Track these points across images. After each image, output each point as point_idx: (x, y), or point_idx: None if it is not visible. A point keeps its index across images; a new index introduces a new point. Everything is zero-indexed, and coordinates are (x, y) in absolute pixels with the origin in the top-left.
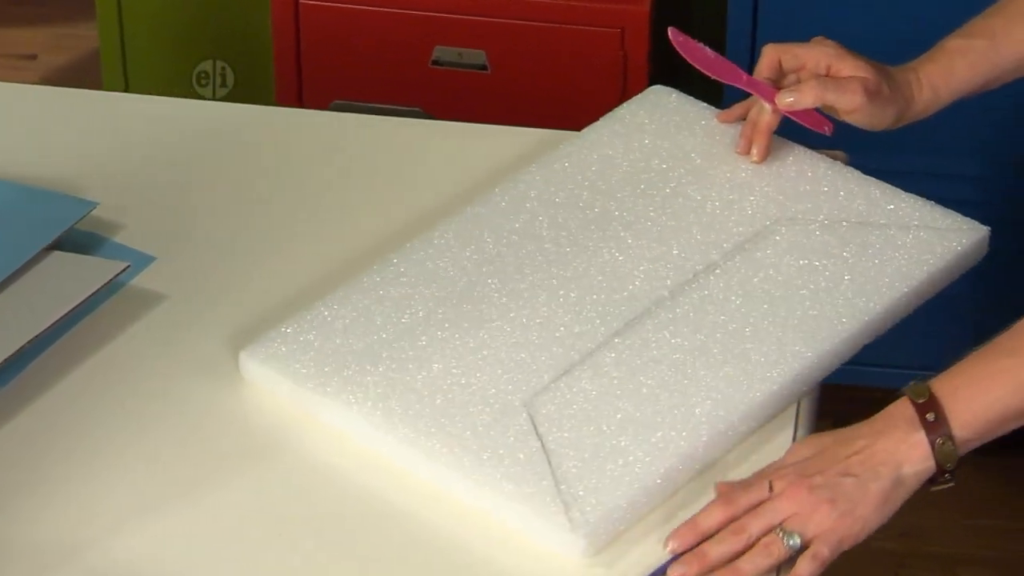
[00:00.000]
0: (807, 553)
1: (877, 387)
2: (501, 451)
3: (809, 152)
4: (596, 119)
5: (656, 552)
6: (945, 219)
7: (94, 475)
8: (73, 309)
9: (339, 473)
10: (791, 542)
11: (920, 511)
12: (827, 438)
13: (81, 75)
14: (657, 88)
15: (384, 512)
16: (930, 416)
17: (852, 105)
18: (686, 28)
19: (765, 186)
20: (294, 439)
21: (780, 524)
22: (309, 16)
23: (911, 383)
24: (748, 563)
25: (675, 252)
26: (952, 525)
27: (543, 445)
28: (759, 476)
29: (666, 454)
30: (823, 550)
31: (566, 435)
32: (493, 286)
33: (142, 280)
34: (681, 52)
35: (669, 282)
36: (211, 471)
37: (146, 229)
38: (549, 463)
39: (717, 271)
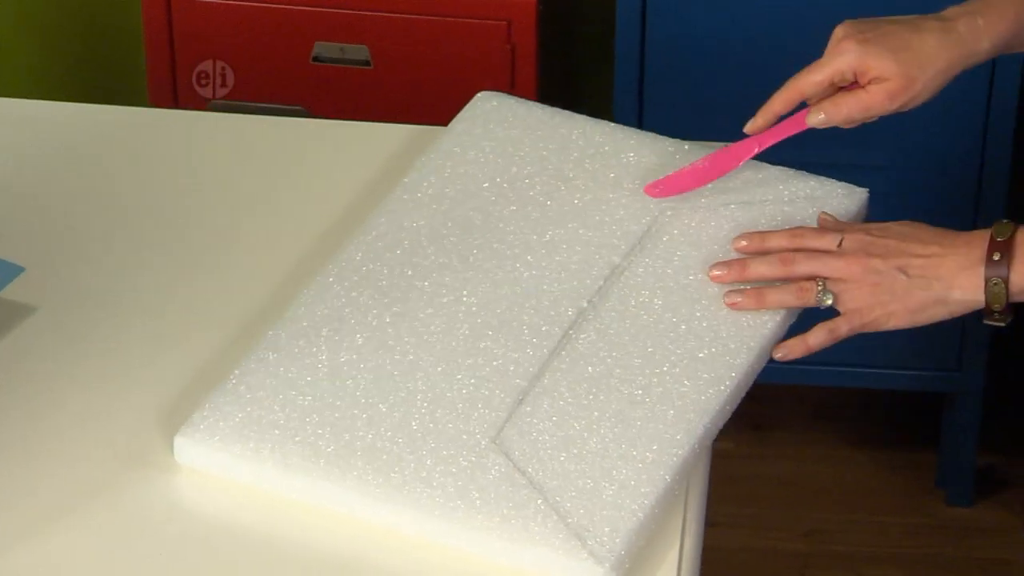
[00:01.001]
0: (826, 324)
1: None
2: (491, 494)
3: (675, 142)
4: None
5: (668, 559)
6: (823, 187)
7: None
8: None
9: (316, 547)
10: (823, 298)
11: (824, 510)
12: (918, 230)
13: None
14: (483, 95)
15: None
16: (996, 255)
17: (878, 113)
18: (575, 19)
19: (635, 180)
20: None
21: (824, 278)
22: (182, 12)
23: (1006, 220)
24: (775, 294)
25: (574, 261)
26: (857, 524)
27: (530, 481)
28: (837, 228)
29: (656, 468)
30: (842, 327)
31: (549, 467)
32: (406, 326)
33: (10, 292)
34: (672, 193)
35: (583, 292)
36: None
37: (15, 238)
38: (545, 499)
39: (625, 273)
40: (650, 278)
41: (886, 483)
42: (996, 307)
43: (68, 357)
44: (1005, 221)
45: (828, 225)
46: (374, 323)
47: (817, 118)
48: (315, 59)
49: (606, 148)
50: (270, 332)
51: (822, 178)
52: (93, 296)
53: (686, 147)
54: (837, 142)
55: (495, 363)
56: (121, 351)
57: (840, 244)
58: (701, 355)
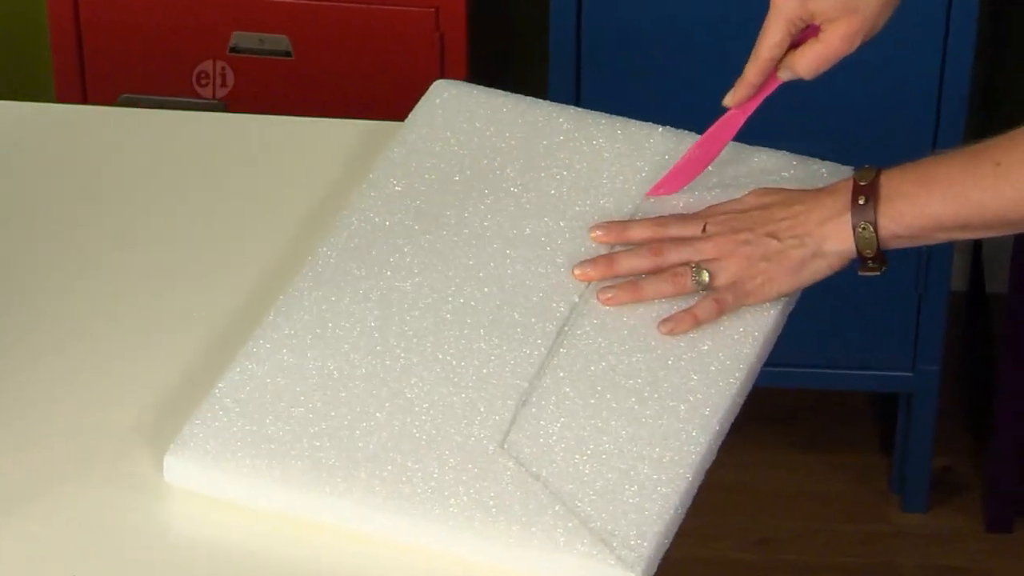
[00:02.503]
0: (711, 295)
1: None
2: (507, 501)
3: (645, 125)
4: (414, 105)
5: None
6: (806, 166)
7: None
8: None
9: (319, 566)
10: (700, 277)
11: (776, 518)
12: (776, 195)
13: None
14: (439, 84)
15: None
16: (861, 200)
17: (842, 56)
18: (507, 5)
19: (610, 166)
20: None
21: (696, 263)
22: (89, 1)
23: (867, 165)
24: (651, 285)
25: (558, 255)
26: (809, 532)
27: (546, 485)
28: (699, 215)
29: (676, 466)
30: (727, 297)
31: (562, 470)
32: (393, 329)
33: None
34: (676, 190)
35: (572, 287)
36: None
37: None
38: (564, 504)
39: None
40: None
41: (839, 489)
42: (868, 253)
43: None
44: (867, 166)
45: (681, 216)
46: (359, 328)
47: (785, 74)
48: (232, 50)
49: (576, 134)
50: (250, 342)
51: (804, 157)
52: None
53: (660, 131)
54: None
55: (491, 364)
56: (37, 351)
57: (704, 228)
58: (705, 347)
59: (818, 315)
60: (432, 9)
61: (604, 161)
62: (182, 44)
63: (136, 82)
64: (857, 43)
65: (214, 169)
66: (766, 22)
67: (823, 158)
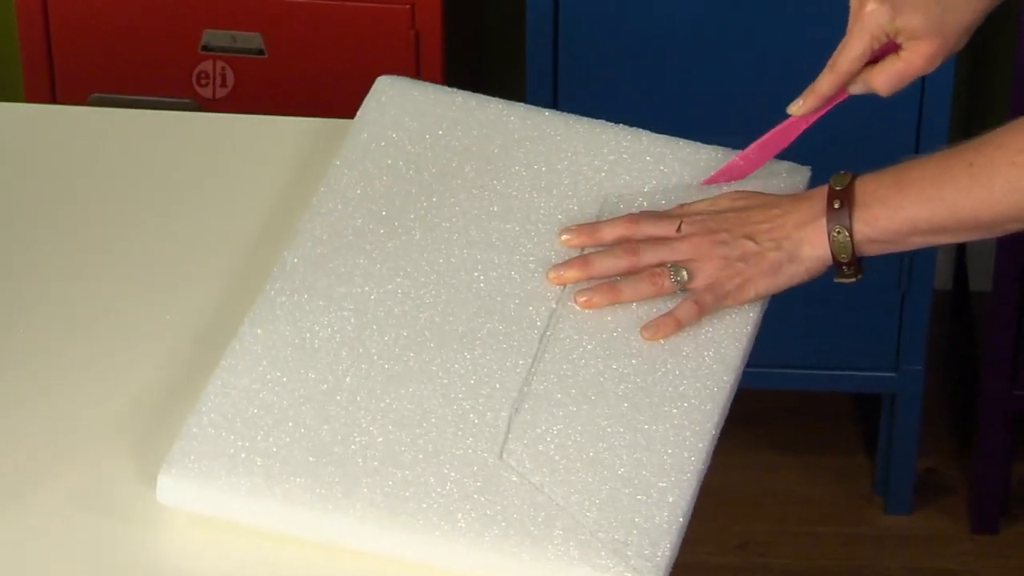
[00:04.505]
0: (689, 298)
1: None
2: (514, 515)
3: (598, 122)
4: None
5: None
6: (767, 165)
7: None
8: None
9: None
10: (677, 277)
11: (756, 521)
12: (752, 199)
13: None
14: (382, 81)
15: None
16: (837, 204)
17: (916, 76)
18: (483, 2)
19: (571, 164)
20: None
21: (672, 263)
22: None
23: (842, 171)
24: (629, 286)
25: (530, 259)
26: (791, 535)
27: (551, 497)
28: (674, 213)
29: (679, 472)
30: (706, 298)
31: (565, 480)
32: (373, 340)
33: None
34: (734, 179)
35: (549, 292)
36: None
37: None
38: (573, 516)
39: None
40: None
41: (820, 491)
42: (843, 258)
43: None
44: (843, 171)
45: (657, 212)
46: (338, 337)
47: (857, 88)
48: (204, 48)
49: (529, 132)
50: (227, 355)
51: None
52: None
53: (613, 127)
54: None
55: (478, 374)
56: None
57: (679, 228)
58: (688, 351)
59: (800, 315)
60: (407, 6)
61: (561, 160)
62: (153, 43)
63: (106, 81)
64: (936, 64)
65: (186, 169)
66: (849, 34)
67: (803, 162)
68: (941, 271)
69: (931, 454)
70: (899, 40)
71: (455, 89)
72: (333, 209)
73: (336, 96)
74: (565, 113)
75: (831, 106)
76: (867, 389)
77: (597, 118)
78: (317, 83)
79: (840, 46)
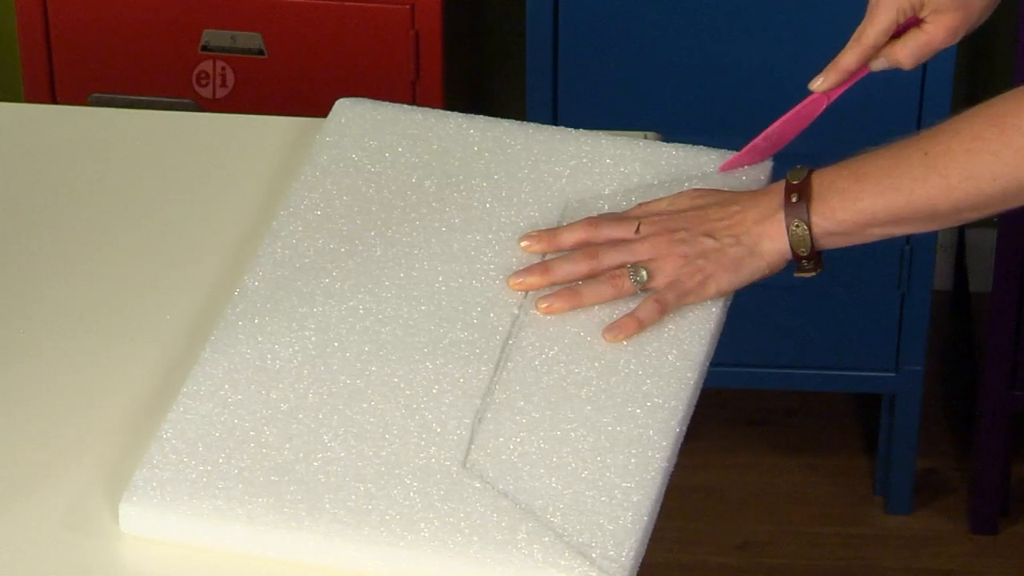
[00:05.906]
0: (651, 297)
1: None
2: (478, 521)
3: (558, 129)
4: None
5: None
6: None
7: None
8: None
9: None
10: (637, 277)
11: (756, 522)
12: (711, 196)
13: None
14: (342, 103)
15: None
16: (793, 197)
17: (939, 49)
18: (484, 2)
19: (530, 173)
20: None
21: (633, 263)
22: (58, 1)
23: (798, 165)
24: (590, 289)
25: (491, 268)
26: (791, 535)
27: (515, 503)
28: (632, 215)
29: (643, 471)
30: (668, 296)
31: (529, 485)
32: (336, 356)
33: None
34: (748, 164)
35: (511, 299)
36: None
37: None
38: (537, 520)
39: None
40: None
41: (821, 491)
42: (802, 251)
43: None
44: (799, 166)
45: (614, 215)
46: (299, 357)
47: (880, 63)
48: (204, 48)
49: (488, 144)
50: (189, 380)
51: (724, 151)
52: None
53: (574, 133)
54: None
55: (440, 384)
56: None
57: (638, 229)
58: (651, 350)
59: (800, 315)
60: (407, 6)
61: (521, 169)
62: (153, 43)
63: (106, 81)
64: (959, 37)
65: (186, 169)
66: (873, 7)
67: (802, 158)
68: (941, 271)
69: (931, 454)
70: (923, 13)
71: (415, 107)
72: (294, 231)
73: (336, 96)
74: (525, 123)
75: (853, 82)
76: (867, 389)
77: (597, 118)
78: (317, 83)
79: (865, 20)
